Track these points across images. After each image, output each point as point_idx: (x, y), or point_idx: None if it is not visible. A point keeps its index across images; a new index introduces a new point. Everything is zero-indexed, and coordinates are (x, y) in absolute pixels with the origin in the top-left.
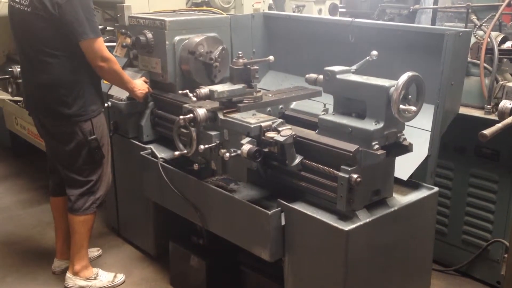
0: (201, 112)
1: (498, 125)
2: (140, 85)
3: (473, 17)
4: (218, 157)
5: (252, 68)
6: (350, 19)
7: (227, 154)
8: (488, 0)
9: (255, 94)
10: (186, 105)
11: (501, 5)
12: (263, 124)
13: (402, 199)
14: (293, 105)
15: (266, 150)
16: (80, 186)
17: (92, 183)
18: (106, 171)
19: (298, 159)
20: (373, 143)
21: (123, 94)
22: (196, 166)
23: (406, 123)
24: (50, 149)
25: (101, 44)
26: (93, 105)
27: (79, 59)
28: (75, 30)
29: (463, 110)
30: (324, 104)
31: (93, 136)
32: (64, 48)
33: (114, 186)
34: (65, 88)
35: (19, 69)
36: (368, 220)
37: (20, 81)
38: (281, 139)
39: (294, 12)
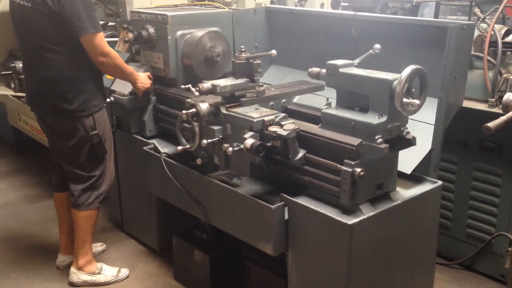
0: (204, 106)
1: (502, 118)
2: (143, 78)
3: (476, 10)
4: (221, 152)
5: (254, 62)
6: (352, 12)
7: (230, 149)
8: None
9: (257, 88)
10: (188, 100)
11: None
12: (266, 119)
13: (406, 193)
14: (296, 99)
15: (269, 144)
16: (83, 182)
17: (95, 178)
18: (109, 166)
19: (301, 153)
20: (376, 137)
21: (126, 89)
22: (199, 161)
23: (410, 117)
24: (52, 144)
25: (102, 39)
26: (95, 101)
27: (80, 55)
28: (75, 25)
29: (466, 104)
30: (327, 98)
31: (95, 132)
32: (65, 43)
33: (118, 181)
34: (66, 84)
35: (21, 65)
36: (371, 214)
37: (22, 77)
38: (284, 133)
39: (296, 6)
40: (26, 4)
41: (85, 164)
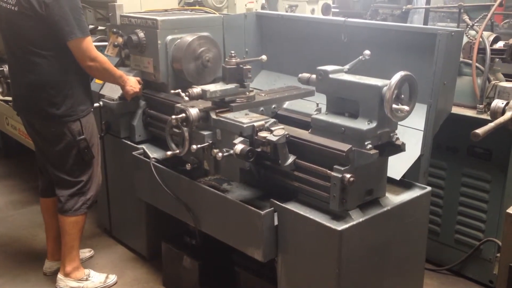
0: (194, 111)
1: (491, 125)
2: (133, 82)
3: (465, 17)
4: (211, 157)
5: (244, 67)
6: (343, 18)
7: (220, 154)
8: (480, 0)
9: (247, 93)
10: (178, 105)
11: (493, 5)
12: (255, 124)
13: (395, 198)
14: (286, 104)
15: (258, 150)
16: (70, 187)
17: (82, 184)
18: (97, 172)
19: (291, 159)
20: (366, 143)
21: (115, 94)
22: (188, 166)
23: (399, 123)
24: (39, 149)
25: (89, 44)
26: (82, 105)
27: (67, 59)
28: (62, 30)
29: (455, 110)
30: (317, 104)
31: (82, 136)
32: (52, 47)
33: (106, 187)
34: (53, 88)
35: None
36: (361, 220)
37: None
38: (274, 138)
39: (287, 11)
40: (12, 8)
41: (72, 169)
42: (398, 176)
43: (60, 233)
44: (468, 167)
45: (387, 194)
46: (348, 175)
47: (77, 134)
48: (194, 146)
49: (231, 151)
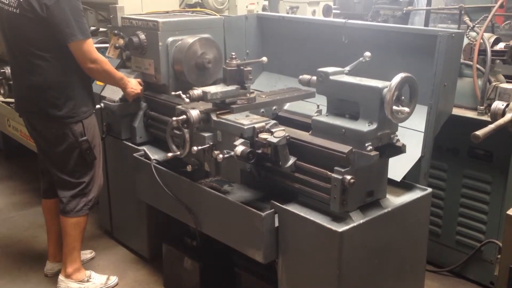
0: (194, 113)
1: (491, 126)
2: (134, 84)
3: (466, 19)
4: (212, 159)
5: (245, 69)
6: (343, 20)
7: (220, 156)
8: (480, 1)
9: (248, 95)
10: (179, 107)
11: (494, 6)
12: (256, 126)
13: (396, 200)
14: (287, 106)
15: (259, 151)
16: (72, 188)
17: (84, 185)
18: (98, 173)
19: (291, 160)
20: (366, 144)
21: (116, 96)
22: (189, 168)
23: (400, 124)
24: (41, 150)
25: (90, 46)
26: (84, 107)
27: (68, 61)
28: (63, 32)
29: (456, 111)
30: (318, 105)
31: (84, 138)
32: (53, 49)
33: (107, 188)
34: (55, 90)
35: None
36: (361, 221)
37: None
38: (275, 140)
39: (288, 13)
40: (14, 10)
41: (74, 171)
42: (398, 178)
43: (61, 234)
44: (468, 169)
45: (387, 196)
46: (348, 177)
47: (79, 135)
48: (195, 148)
49: (232, 153)
